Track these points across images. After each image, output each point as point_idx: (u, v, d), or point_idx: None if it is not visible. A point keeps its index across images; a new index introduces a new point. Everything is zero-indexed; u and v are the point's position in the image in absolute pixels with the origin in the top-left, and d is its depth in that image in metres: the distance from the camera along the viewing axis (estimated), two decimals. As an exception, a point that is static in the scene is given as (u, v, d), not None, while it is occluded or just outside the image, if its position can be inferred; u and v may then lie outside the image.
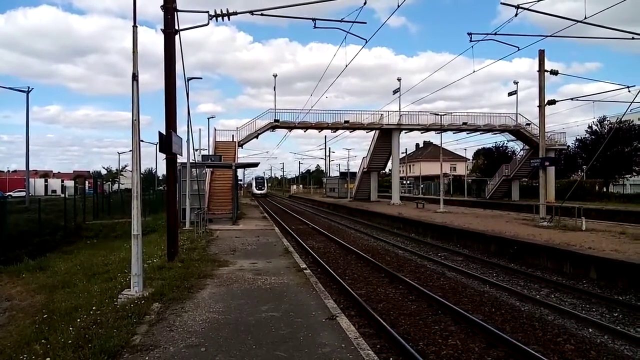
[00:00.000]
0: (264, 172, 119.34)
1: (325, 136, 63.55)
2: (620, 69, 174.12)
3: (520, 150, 47.02)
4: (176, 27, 11.74)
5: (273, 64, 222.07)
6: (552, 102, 22.68)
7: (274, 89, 41.76)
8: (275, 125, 38.67)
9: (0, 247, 16.89)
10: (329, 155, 76.52)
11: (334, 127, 40.70)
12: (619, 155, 42.90)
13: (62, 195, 36.43)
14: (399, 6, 13.78)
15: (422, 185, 72.29)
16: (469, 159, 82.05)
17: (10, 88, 36.09)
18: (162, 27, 11.74)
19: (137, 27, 8.69)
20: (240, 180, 62.04)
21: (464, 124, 40.97)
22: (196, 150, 31.40)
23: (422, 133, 44.26)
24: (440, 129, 38.08)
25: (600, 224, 20.50)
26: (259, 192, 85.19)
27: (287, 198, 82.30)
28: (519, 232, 17.46)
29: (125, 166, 71.33)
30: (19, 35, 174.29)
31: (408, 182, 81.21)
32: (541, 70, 21.51)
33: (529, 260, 14.66)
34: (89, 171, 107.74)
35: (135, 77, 8.55)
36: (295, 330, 6.45)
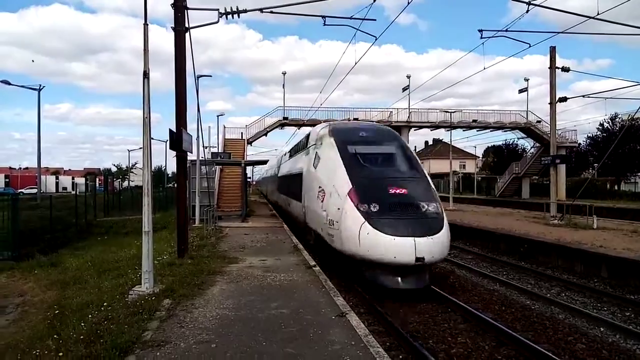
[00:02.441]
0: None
1: (334, 134, 63.20)
2: (632, 66, 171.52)
3: (531, 148, 46.65)
4: (186, 25, 11.76)
5: (282, 61, 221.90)
6: (563, 100, 22.45)
7: (283, 87, 41.65)
8: (284, 123, 38.72)
9: (13, 243, 17.09)
10: (338, 153, 75.95)
11: (343, 125, 40.40)
12: (630, 153, 42.38)
13: (73, 192, 36.73)
14: (409, 3, 13.70)
15: (431, 183, 71.75)
16: (479, 157, 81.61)
17: (22, 86, 36.81)
18: (173, 25, 11.78)
19: (147, 25, 8.73)
20: (249, 178, 61.84)
21: (474, 121, 40.78)
22: (205, 147, 31.53)
23: (431, 130, 44.12)
24: (450, 127, 37.90)
25: (611, 222, 20.30)
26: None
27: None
28: (529, 230, 17.34)
29: (136, 163, 71.96)
30: (31, 33, 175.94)
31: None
32: (552, 67, 21.31)
33: (539, 258, 14.56)
34: (99, 168, 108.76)
35: (146, 74, 8.59)
36: (305, 327, 6.46)
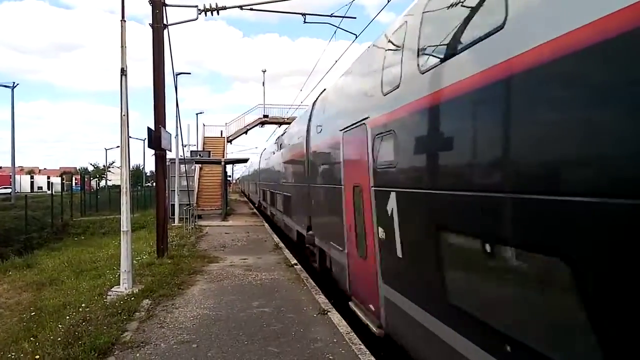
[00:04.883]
0: None
1: (315, 132, 63.24)
2: None
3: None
4: (165, 22, 11.62)
5: (262, 59, 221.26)
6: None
7: (263, 84, 41.34)
8: (264, 121, 38.57)
9: (-14, 244, 16.70)
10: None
11: (324, 123, 40.40)
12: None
13: (49, 192, 36.03)
14: (389, 1, 13.77)
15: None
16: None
17: (-6, 83, 35.55)
18: (151, 22, 11.63)
19: (125, 21, 8.60)
20: (230, 176, 61.38)
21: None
22: (185, 145, 31.21)
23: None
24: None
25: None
26: None
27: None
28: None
29: (113, 162, 70.71)
30: (5, 30, 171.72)
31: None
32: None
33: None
34: (76, 167, 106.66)
35: (123, 72, 8.46)
36: (287, 326, 6.45)
